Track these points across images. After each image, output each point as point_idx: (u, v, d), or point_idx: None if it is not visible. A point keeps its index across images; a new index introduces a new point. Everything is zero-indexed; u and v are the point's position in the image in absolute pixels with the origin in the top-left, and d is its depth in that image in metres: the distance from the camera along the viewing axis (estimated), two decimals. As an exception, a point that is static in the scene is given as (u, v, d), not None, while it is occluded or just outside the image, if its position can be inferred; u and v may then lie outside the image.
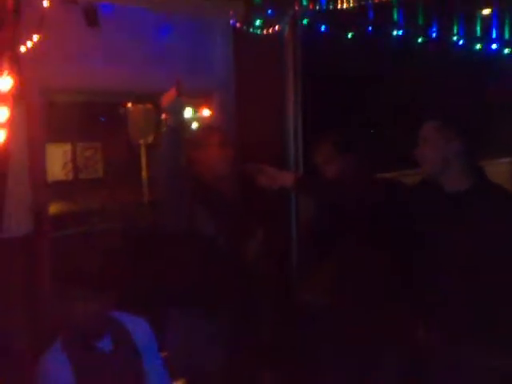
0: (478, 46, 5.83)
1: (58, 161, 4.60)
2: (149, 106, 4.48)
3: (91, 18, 3.39)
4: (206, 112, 4.30)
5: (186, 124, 2.86)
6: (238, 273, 3.08)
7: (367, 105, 5.75)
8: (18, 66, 3.01)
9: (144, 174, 4.55)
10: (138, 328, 2.48)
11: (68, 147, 4.64)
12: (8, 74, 2.92)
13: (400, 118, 5.91)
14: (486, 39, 5.82)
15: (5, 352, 3.20)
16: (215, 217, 3.03)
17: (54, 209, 4.39)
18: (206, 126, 3.17)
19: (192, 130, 2.95)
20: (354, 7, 4.56)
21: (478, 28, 5.60)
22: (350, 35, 4.98)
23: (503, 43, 6.05)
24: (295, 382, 3.81)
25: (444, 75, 6.17)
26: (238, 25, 4.03)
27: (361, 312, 3.18)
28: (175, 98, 2.85)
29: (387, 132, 5.23)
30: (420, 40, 5.32)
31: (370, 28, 4.98)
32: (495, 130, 5.98)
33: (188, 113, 4.39)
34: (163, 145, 2.92)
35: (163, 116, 2.88)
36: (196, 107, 4.34)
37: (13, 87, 2.95)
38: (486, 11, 5.45)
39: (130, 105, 4.44)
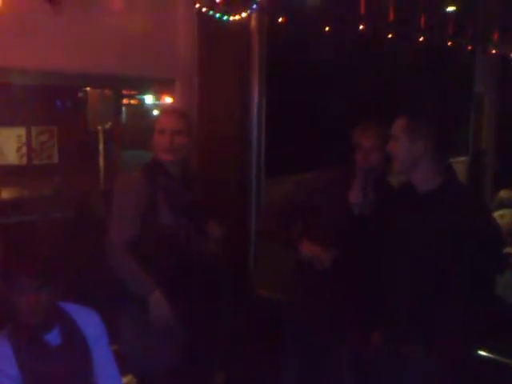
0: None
1: (11, 144, 4.45)
2: (108, 90, 4.35)
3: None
4: (167, 99, 4.21)
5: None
6: (197, 268, 2.99)
7: (332, 98, 5.71)
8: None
9: (101, 160, 4.43)
10: (88, 320, 2.39)
11: (22, 131, 4.48)
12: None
13: (364, 113, 5.89)
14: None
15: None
16: (174, 207, 2.94)
17: (5, 194, 4.23)
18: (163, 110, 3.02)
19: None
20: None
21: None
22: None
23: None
24: (251, 379, 3.76)
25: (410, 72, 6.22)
26: (203, 10, 3.91)
27: (317, 309, 3.14)
28: None
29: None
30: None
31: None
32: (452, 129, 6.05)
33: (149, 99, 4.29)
34: None
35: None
36: (157, 94, 4.23)
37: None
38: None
39: (88, 89, 4.31)
